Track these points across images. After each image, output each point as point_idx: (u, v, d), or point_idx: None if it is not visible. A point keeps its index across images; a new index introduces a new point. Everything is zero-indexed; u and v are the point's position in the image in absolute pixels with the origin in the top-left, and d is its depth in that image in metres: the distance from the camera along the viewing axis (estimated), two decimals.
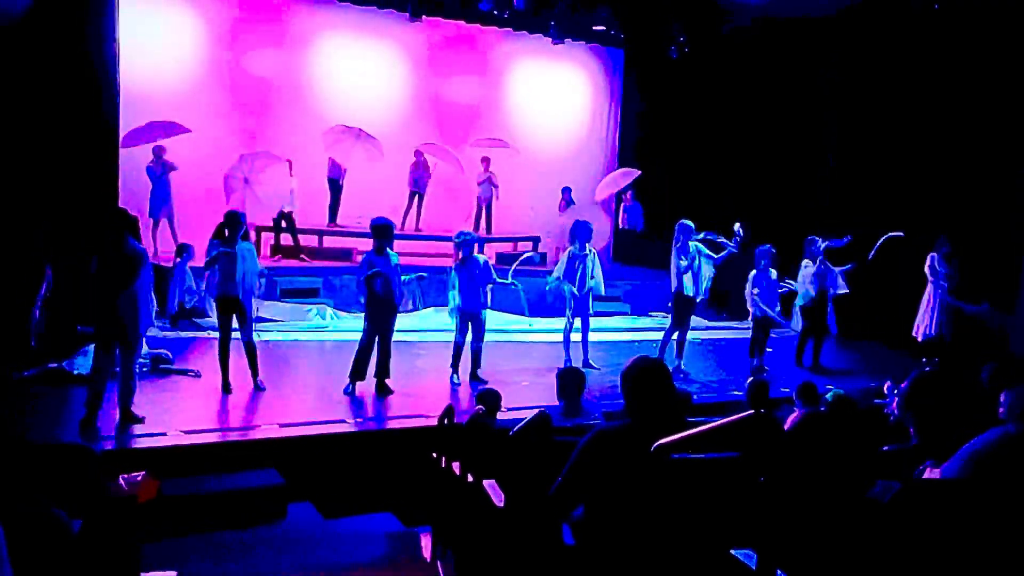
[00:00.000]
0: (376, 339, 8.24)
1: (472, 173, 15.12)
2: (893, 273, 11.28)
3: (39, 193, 8.56)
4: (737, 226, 9.94)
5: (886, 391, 6.92)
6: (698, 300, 10.04)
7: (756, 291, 10.09)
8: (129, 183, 11.13)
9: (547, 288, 10.21)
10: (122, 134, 10.40)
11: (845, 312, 12.07)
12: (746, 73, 14.28)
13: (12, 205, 8.40)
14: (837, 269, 10.57)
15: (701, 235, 9.96)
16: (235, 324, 7.97)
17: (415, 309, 11.88)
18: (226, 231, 8.00)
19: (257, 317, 8.88)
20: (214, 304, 8.30)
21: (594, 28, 14.43)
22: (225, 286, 7.89)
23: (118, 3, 9.84)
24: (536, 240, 15.26)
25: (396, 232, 13.51)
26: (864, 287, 11.07)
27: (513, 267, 9.98)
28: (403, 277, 8.44)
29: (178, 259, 10.90)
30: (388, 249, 8.29)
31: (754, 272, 10.16)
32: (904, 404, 3.51)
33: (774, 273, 10.16)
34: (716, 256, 9.91)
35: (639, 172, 14.82)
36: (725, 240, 9.92)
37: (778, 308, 10.44)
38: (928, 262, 11.00)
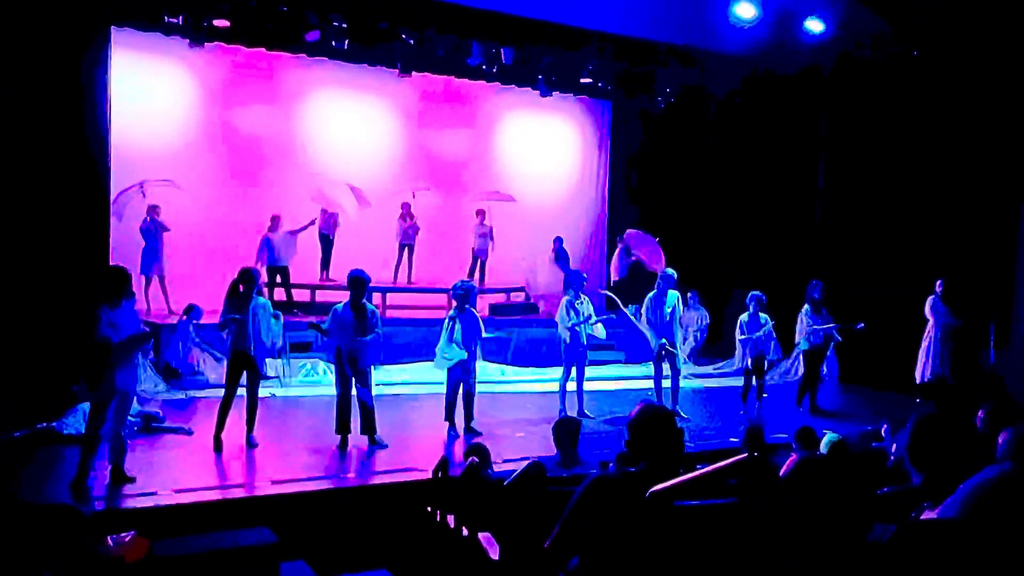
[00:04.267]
0: (352, 393, 8.19)
1: (468, 225, 15.20)
2: (891, 318, 11.33)
3: (29, 251, 8.57)
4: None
5: (883, 434, 6.91)
6: (669, 346, 10.03)
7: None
8: (120, 240, 11.16)
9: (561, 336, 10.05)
10: (113, 191, 10.46)
11: (844, 356, 12.13)
12: (733, 121, 14.48)
13: (2, 263, 8.41)
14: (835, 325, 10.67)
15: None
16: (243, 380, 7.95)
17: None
18: (240, 287, 7.99)
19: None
20: (226, 359, 8.26)
21: (581, 81, 14.64)
22: (238, 342, 7.89)
23: (110, 61, 9.96)
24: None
25: (388, 285, 13.74)
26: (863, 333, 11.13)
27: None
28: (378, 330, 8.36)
29: (184, 317, 10.89)
30: (363, 301, 8.26)
31: (744, 316, 10.24)
32: (906, 445, 3.49)
33: (763, 317, 10.23)
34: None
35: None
36: None
37: (771, 351, 10.50)
38: (928, 304, 11.09)
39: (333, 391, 8.35)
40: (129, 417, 7.18)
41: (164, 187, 12.45)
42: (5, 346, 8.27)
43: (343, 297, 8.43)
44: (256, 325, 7.91)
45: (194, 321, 10.90)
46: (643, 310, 10.03)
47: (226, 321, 7.91)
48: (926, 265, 11.40)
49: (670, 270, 10.10)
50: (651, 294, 9.99)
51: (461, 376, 8.82)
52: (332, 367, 11.37)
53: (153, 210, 12.30)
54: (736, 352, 10.41)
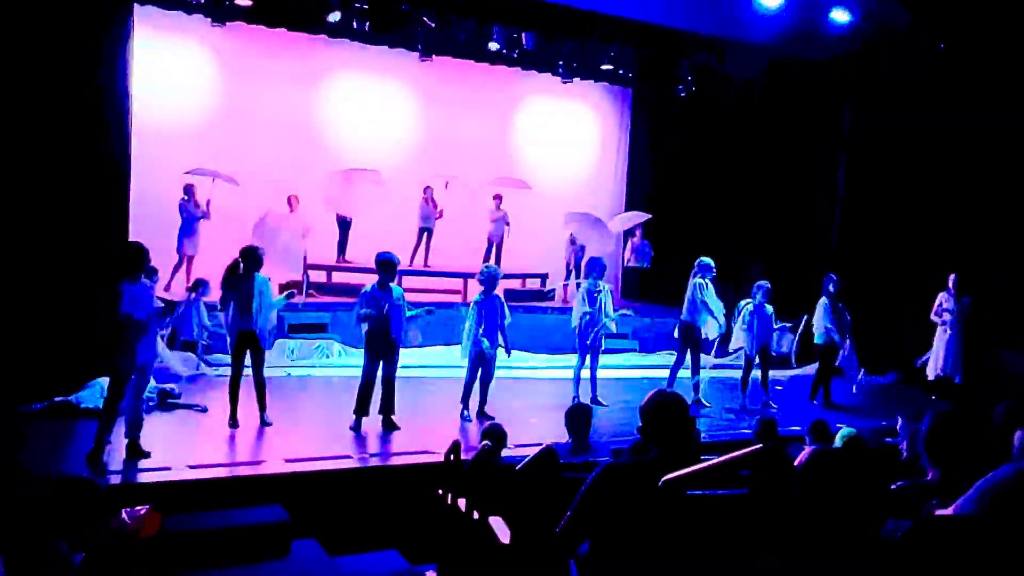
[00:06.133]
0: (379, 374, 8.23)
1: (485, 210, 15.18)
2: (910, 311, 11.26)
3: (48, 226, 8.61)
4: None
5: (898, 429, 6.87)
6: (711, 337, 10.03)
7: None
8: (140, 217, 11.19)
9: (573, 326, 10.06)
10: (134, 167, 10.50)
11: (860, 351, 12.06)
12: (754, 111, 14.38)
13: (20, 238, 8.45)
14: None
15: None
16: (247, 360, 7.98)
17: (420, 345, 11.81)
18: (241, 266, 8.00)
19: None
20: (230, 339, 8.28)
21: (602, 67, 14.57)
22: (241, 321, 7.90)
23: (132, 39, 9.97)
24: (544, 277, 15.27)
25: (404, 268, 13.73)
26: (877, 327, 11.08)
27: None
28: (408, 312, 8.42)
29: (193, 295, 10.87)
30: (391, 284, 8.29)
31: (750, 305, 10.12)
32: (923, 441, 3.47)
33: (770, 308, 10.14)
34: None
35: (649, 216, 14.94)
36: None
37: (773, 343, 10.45)
38: (938, 301, 11.02)
39: (344, 372, 8.38)
40: (146, 392, 7.24)
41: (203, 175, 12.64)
42: (23, 320, 8.32)
43: (359, 279, 8.44)
44: (259, 303, 7.93)
45: (203, 297, 10.88)
46: (698, 294, 9.86)
47: (226, 299, 7.93)
48: (946, 259, 11.30)
49: (707, 258, 10.00)
50: (699, 282, 9.84)
51: (482, 361, 8.82)
52: (346, 348, 11.50)
53: (191, 189, 12.50)
54: (742, 341, 10.27)
